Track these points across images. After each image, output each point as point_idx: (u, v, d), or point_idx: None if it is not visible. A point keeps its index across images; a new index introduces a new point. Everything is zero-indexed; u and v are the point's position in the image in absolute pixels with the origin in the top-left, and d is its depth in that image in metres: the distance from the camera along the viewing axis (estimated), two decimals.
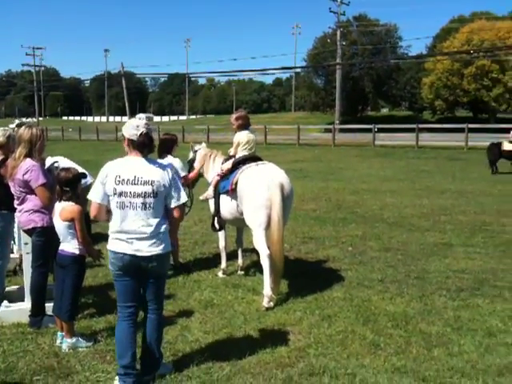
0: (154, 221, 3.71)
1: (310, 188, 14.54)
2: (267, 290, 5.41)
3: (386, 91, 66.82)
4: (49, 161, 7.85)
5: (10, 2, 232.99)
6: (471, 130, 30.53)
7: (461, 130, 30.59)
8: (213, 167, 6.61)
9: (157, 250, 3.71)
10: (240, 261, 6.71)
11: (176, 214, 3.83)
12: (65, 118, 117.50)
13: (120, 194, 3.66)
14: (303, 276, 6.38)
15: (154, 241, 3.71)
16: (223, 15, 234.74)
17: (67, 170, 4.45)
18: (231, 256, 6.94)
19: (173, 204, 3.78)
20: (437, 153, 26.45)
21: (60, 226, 4.32)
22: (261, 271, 5.67)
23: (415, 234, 8.74)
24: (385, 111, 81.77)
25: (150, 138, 3.75)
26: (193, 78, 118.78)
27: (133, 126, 3.73)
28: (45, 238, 4.64)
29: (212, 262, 7.11)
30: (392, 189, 14.34)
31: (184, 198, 3.85)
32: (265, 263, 5.50)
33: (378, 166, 20.78)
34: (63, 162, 7.95)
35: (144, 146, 3.71)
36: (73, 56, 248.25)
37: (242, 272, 6.62)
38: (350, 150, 29.06)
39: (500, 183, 15.22)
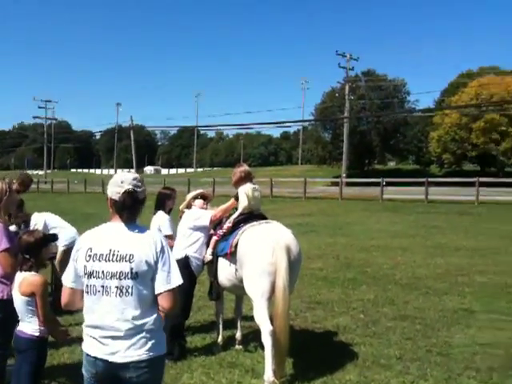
0: (134, 313, 2.75)
1: (317, 244, 13.87)
2: (269, 373, 4.65)
3: (393, 145, 67.00)
4: (35, 217, 7.31)
5: (24, 55, 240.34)
6: (481, 184, 29.95)
7: (470, 184, 29.99)
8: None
9: (137, 354, 2.73)
10: (238, 334, 5.94)
11: (165, 303, 2.78)
12: (73, 170, 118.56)
13: (90, 275, 2.76)
14: (310, 351, 5.64)
15: (133, 341, 2.74)
16: (233, 69, 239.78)
17: (30, 233, 3.78)
18: (230, 325, 6.22)
19: (160, 288, 2.78)
20: (447, 207, 25.77)
21: (18, 300, 3.61)
22: (262, 346, 4.93)
23: (432, 299, 8.00)
24: (392, 164, 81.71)
25: (135, 199, 2.82)
26: (202, 132, 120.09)
27: (117, 181, 2.86)
28: (4, 313, 3.89)
29: (207, 332, 6.37)
30: (403, 246, 13.63)
31: (177, 279, 2.81)
32: (267, 341, 4.72)
33: (387, 221, 20.10)
34: (50, 219, 7.41)
35: (123, 207, 2.81)
36: (85, 109, 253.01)
37: (241, 347, 5.85)
38: (358, 204, 28.46)
39: None
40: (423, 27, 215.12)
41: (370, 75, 64.97)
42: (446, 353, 5.59)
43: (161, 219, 5.85)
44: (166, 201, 6.00)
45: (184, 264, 5.28)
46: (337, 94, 61.50)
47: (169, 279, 2.78)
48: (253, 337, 6.11)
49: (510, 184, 32.32)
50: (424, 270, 10.29)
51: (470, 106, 50.20)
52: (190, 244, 5.62)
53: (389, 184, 33.40)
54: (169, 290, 2.78)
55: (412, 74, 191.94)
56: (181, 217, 5.88)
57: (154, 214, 5.98)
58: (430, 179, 34.04)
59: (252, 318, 6.01)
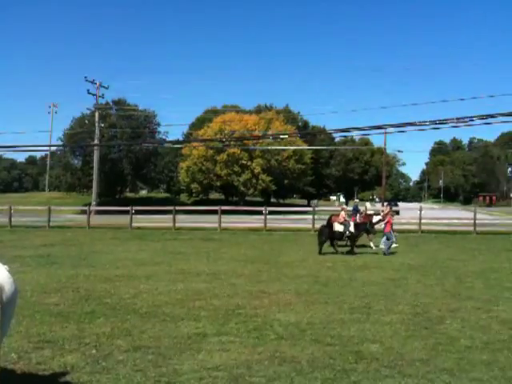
0: None
1: (57, 277, 12.93)
2: None
3: (144, 173, 67.72)
4: None
5: None
6: (224, 212, 32.13)
7: (214, 212, 31.94)
8: None
9: None
10: None
11: None
12: None
13: None
14: None
15: None
16: None
17: None
18: None
19: None
20: (192, 234, 26.94)
21: None
22: None
23: (169, 325, 8.06)
24: (144, 193, 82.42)
25: None
26: None
27: None
28: None
29: None
30: (147, 273, 13.62)
31: None
32: None
33: (135, 249, 19.99)
34: None
35: None
36: None
37: None
38: (106, 232, 27.79)
39: (250, 263, 15.77)
40: (167, 62, 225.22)
41: (121, 104, 64.95)
42: (174, 381, 5.60)
43: None
44: None
45: None
46: (86, 121, 59.91)
47: None
48: None
49: (249, 212, 35.44)
50: (165, 297, 10.37)
51: (215, 140, 54.02)
52: None
53: (138, 212, 33.47)
54: None
55: (163, 105, 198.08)
56: None
57: None
58: (178, 207, 35.21)
59: None
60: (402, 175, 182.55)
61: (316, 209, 38.12)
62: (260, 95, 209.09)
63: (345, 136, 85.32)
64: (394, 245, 19.33)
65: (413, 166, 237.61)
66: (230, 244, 22.42)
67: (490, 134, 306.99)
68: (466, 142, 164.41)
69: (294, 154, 63.76)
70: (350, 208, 23.19)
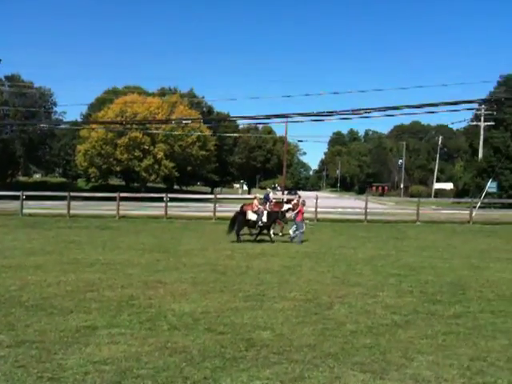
0: None
1: None
2: None
3: (39, 156, 64.20)
4: None
5: None
6: (123, 199, 31.30)
7: (113, 199, 31.02)
8: None
9: None
10: None
11: None
12: None
13: None
14: None
15: None
16: None
17: None
18: None
19: None
20: (89, 222, 26.00)
21: None
22: None
23: (56, 319, 7.72)
24: (37, 177, 78.14)
25: None
26: None
27: None
28: None
29: None
30: (37, 263, 12.95)
31: None
32: None
33: (25, 238, 18.92)
34: None
35: None
36: None
37: None
38: None
39: (148, 252, 15.52)
40: (66, 38, 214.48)
41: (15, 80, 60.97)
42: (57, 377, 5.37)
43: None
44: None
45: None
46: None
47: None
48: None
49: (150, 199, 34.75)
50: (54, 289, 9.91)
51: (116, 123, 52.22)
52: None
53: (30, 198, 31.70)
54: None
55: (60, 83, 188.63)
56: None
57: None
58: (74, 193, 33.83)
59: None
60: (303, 164, 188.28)
61: (218, 196, 38.28)
62: (164, 78, 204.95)
63: (248, 123, 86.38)
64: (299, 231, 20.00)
65: (313, 156, 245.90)
66: (128, 232, 21.91)
67: (384, 126, 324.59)
68: (362, 133, 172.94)
69: (197, 140, 63.35)
70: (261, 196, 23.24)
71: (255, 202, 20.16)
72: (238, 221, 19.03)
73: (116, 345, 6.50)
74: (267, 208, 20.27)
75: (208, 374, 5.53)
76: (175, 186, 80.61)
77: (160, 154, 58.88)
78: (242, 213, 19.53)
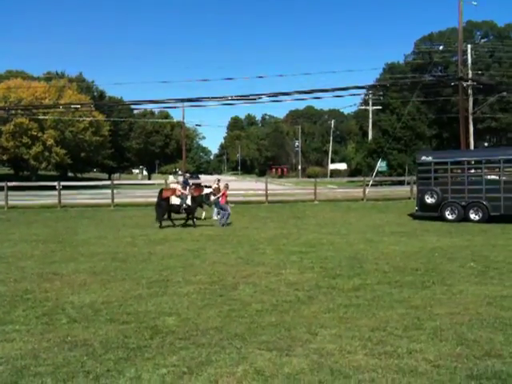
0: None
1: None
2: None
3: None
4: None
5: None
6: (12, 189, 29.36)
7: (1, 189, 28.99)
8: None
9: None
10: None
11: None
12: None
13: None
14: None
15: None
16: None
17: None
18: None
19: None
20: None
21: None
22: None
23: None
24: None
25: None
26: None
27: None
28: None
29: None
30: None
31: None
32: None
33: None
34: None
35: None
36: None
37: None
38: None
39: (42, 243, 14.67)
40: None
41: None
42: None
43: None
44: None
45: None
46: None
47: None
48: None
49: (41, 187, 32.91)
50: None
51: None
52: None
53: None
54: None
55: None
56: None
57: None
58: None
59: None
60: (203, 149, 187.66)
61: (116, 182, 37.12)
62: (50, 61, 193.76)
63: (144, 108, 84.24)
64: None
65: (212, 140, 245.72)
66: (18, 223, 20.61)
67: (280, 110, 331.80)
68: (259, 118, 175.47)
69: (90, 125, 60.77)
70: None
71: (178, 186, 19.83)
72: (161, 206, 18.76)
73: (11, 343, 6.05)
74: (187, 192, 20.03)
75: (111, 367, 5.30)
76: (69, 174, 77.02)
77: (50, 141, 55.82)
78: (164, 198, 19.11)
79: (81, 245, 14.34)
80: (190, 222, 19.05)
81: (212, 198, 19.58)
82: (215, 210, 20.32)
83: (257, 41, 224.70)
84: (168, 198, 18.95)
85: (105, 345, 5.96)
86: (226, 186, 20.38)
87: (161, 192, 19.77)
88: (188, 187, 20.70)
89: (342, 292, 8.38)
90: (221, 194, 19.75)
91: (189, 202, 18.97)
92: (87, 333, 6.43)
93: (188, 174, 26.47)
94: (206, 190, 19.93)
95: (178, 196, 19.00)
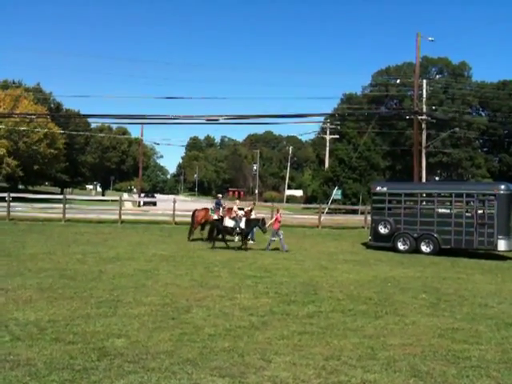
0: None
1: None
2: None
3: None
4: None
5: None
6: None
7: None
8: None
9: None
10: None
11: None
12: None
13: None
14: None
15: None
16: None
17: None
18: None
19: None
20: None
21: None
22: None
23: None
24: None
25: None
26: None
27: None
28: None
29: None
30: None
31: None
32: None
33: None
34: None
35: None
36: None
37: None
38: None
39: None
40: None
41: None
42: None
43: None
44: None
45: None
46: None
47: None
48: None
49: None
50: None
51: None
52: None
53: None
54: None
55: None
56: None
57: None
58: None
59: None
60: (160, 167, 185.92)
61: (69, 197, 36.17)
62: (8, 70, 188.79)
63: (102, 123, 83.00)
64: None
65: (170, 159, 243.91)
66: None
67: (239, 133, 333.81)
68: (218, 140, 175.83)
69: (45, 137, 59.27)
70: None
71: (234, 208, 19.77)
72: (217, 228, 19.01)
73: None
74: (220, 214, 20.03)
75: None
76: (20, 186, 74.59)
77: (2, 151, 54.10)
78: (219, 220, 19.24)
79: (28, 259, 13.78)
80: (244, 245, 18.63)
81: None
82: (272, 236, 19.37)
83: (224, 60, 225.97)
84: (220, 219, 19.22)
85: (49, 365, 5.67)
86: (278, 211, 20.43)
87: (193, 214, 19.74)
88: (222, 209, 20.54)
89: (297, 318, 8.31)
90: (274, 218, 19.76)
91: (242, 225, 18.70)
92: (31, 352, 6.11)
93: (220, 195, 26.17)
94: (239, 213, 19.48)
95: (232, 218, 18.81)
